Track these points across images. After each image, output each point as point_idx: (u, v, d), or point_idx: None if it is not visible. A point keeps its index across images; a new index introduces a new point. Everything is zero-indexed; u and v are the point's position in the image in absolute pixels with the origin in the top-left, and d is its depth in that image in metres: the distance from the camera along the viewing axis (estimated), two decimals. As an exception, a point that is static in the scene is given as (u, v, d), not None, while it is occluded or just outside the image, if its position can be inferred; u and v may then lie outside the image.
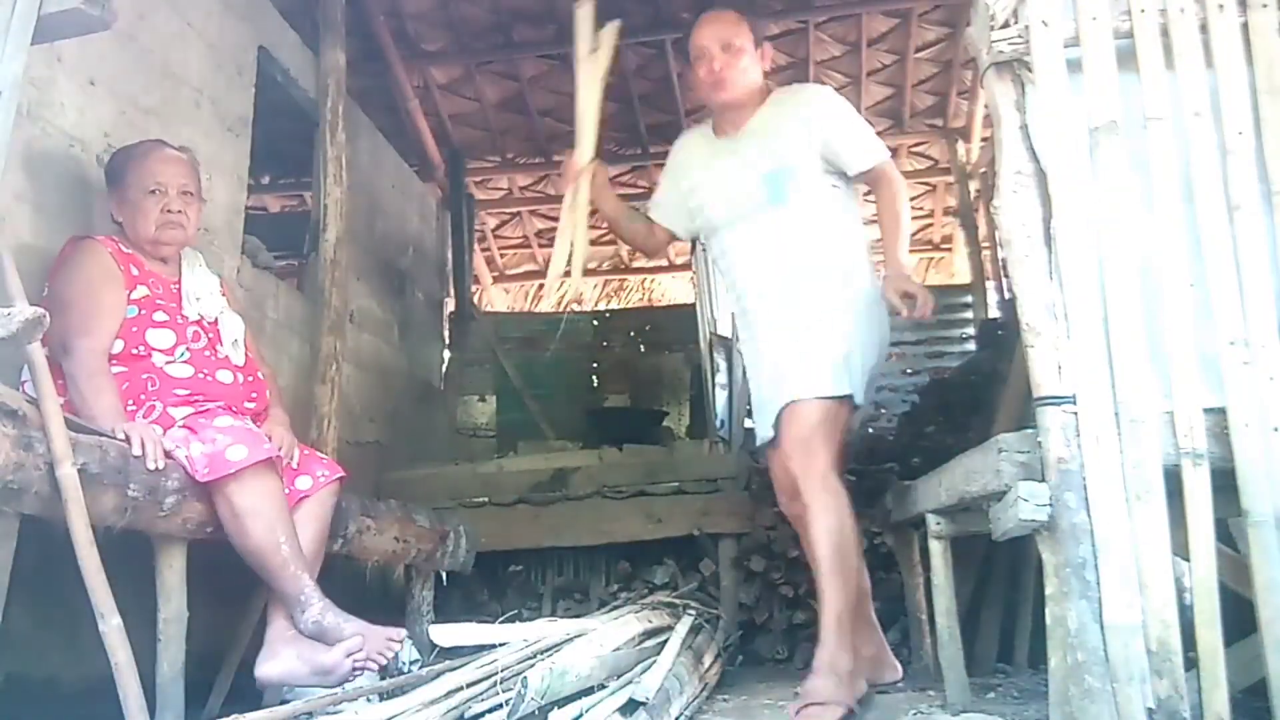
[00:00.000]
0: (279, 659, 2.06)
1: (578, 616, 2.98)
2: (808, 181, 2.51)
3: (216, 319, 2.38)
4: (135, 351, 2.20)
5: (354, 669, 1.96)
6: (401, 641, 2.04)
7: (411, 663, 2.31)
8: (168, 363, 2.23)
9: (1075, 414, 1.66)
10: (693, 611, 2.82)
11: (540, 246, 7.61)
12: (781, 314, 2.50)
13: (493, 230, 7.44)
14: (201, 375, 2.26)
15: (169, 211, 2.31)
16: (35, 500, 1.65)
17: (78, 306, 2.14)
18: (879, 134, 2.64)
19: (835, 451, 2.38)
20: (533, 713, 1.61)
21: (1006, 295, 5.46)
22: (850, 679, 2.23)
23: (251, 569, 2.08)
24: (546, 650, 2.01)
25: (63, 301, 2.13)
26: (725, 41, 2.55)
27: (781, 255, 2.51)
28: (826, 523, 2.32)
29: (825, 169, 2.53)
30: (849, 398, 2.40)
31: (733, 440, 5.14)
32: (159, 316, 2.26)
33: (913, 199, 7.13)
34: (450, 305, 5.97)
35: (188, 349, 2.27)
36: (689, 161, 2.75)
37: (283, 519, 2.08)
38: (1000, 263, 5.57)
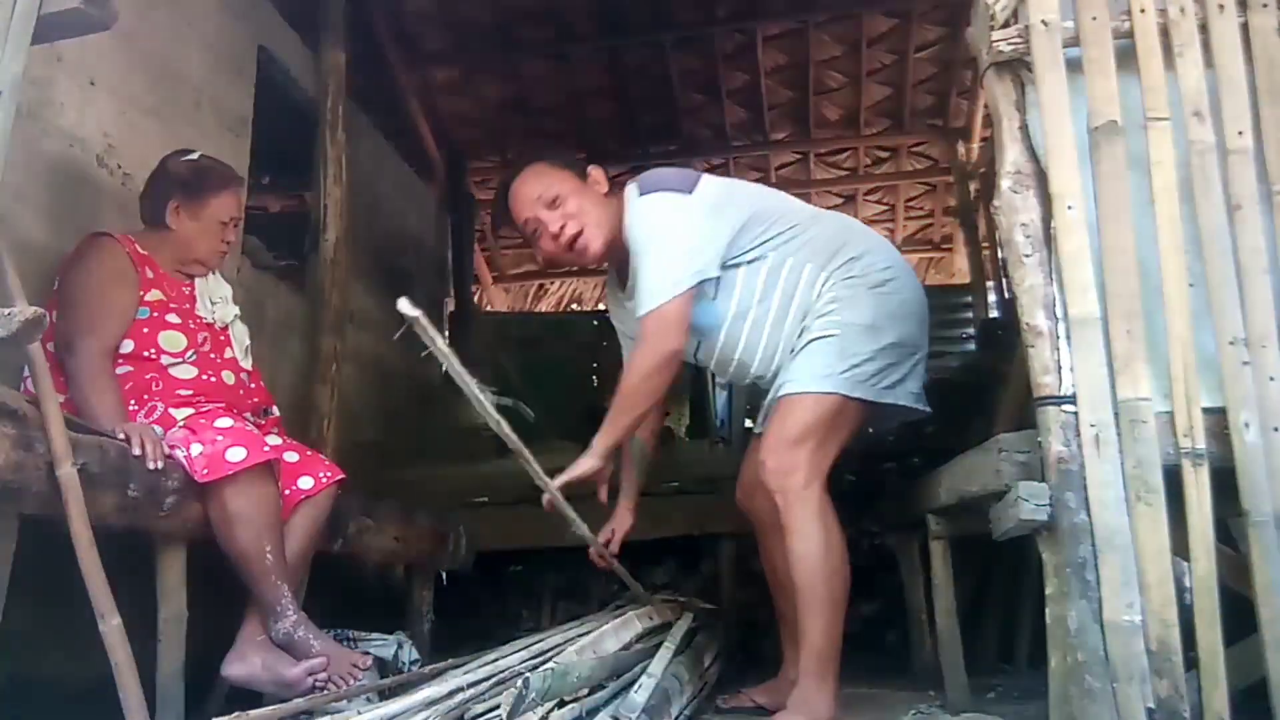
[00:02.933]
0: (245, 661, 2.09)
1: (577, 617, 2.98)
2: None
3: (228, 326, 2.42)
4: (146, 354, 2.22)
5: (314, 687, 1.99)
6: (367, 670, 2.07)
7: (412, 662, 2.31)
8: (173, 364, 2.24)
9: (1075, 414, 1.66)
10: (692, 612, 2.82)
11: (540, 246, 7.61)
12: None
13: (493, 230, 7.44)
14: (205, 376, 2.27)
15: (227, 242, 2.43)
16: (35, 500, 1.65)
17: (86, 305, 2.15)
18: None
19: (822, 463, 2.16)
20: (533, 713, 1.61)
21: (1006, 295, 5.46)
22: None
23: (234, 571, 2.09)
24: (547, 650, 2.01)
25: (71, 299, 2.15)
26: (538, 198, 2.25)
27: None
28: (805, 547, 2.09)
29: None
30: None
31: (733, 440, 5.14)
32: (172, 319, 2.28)
33: (913, 199, 7.19)
34: (450, 305, 5.97)
35: (196, 352, 2.29)
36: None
37: (271, 526, 2.09)
38: (1000, 263, 5.57)
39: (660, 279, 2.13)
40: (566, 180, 2.28)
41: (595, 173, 2.35)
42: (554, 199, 2.25)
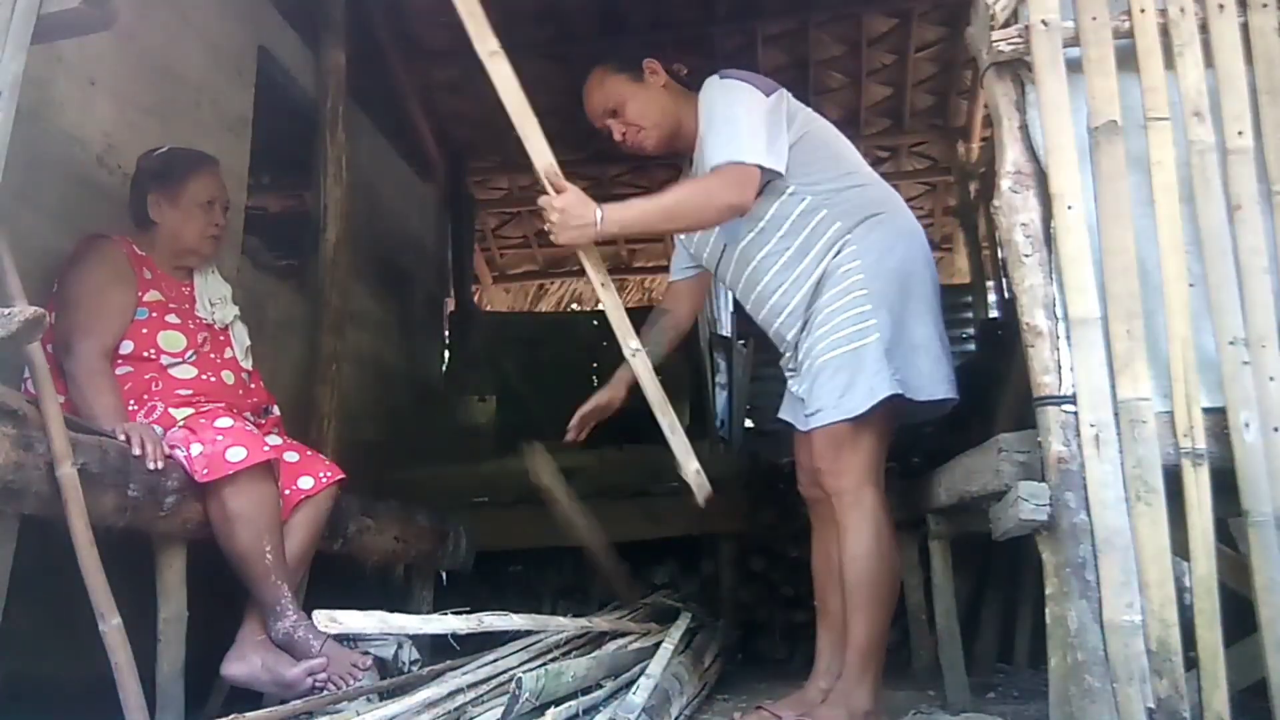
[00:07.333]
0: (245, 661, 2.09)
1: (578, 616, 2.99)
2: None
3: (228, 326, 2.42)
4: (146, 355, 2.22)
5: (314, 688, 1.99)
6: (367, 670, 2.05)
7: (412, 663, 2.31)
8: (173, 364, 2.25)
9: (1075, 414, 1.66)
10: (691, 611, 2.82)
11: (540, 246, 7.61)
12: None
13: (493, 230, 7.43)
14: (205, 376, 2.28)
15: (216, 225, 2.42)
16: (35, 500, 1.65)
17: (82, 306, 2.15)
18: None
19: (870, 461, 2.14)
20: (528, 714, 1.61)
21: (1006, 295, 5.46)
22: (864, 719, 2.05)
23: (234, 571, 2.09)
24: (549, 650, 2.01)
25: (68, 300, 2.16)
26: (603, 110, 2.42)
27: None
28: (857, 547, 2.09)
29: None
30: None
31: (733, 440, 5.14)
32: (171, 319, 2.29)
33: (913, 199, 7.16)
34: (450, 305, 5.97)
35: (196, 352, 2.29)
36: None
37: (272, 526, 2.09)
38: (1000, 263, 5.57)
39: (738, 141, 2.16)
40: (623, 86, 2.40)
41: (650, 65, 2.43)
42: (614, 109, 2.41)
